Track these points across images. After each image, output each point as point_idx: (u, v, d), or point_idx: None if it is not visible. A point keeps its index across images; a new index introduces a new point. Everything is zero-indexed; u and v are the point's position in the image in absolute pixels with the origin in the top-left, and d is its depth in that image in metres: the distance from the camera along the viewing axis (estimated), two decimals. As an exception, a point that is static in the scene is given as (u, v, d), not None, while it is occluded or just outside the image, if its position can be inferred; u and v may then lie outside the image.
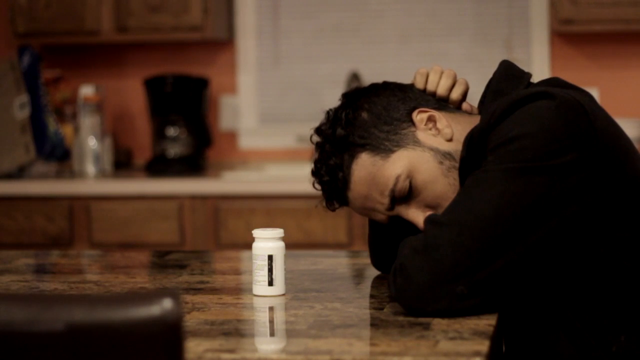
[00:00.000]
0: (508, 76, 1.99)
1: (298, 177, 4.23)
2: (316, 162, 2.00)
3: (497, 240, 1.77)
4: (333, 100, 2.09)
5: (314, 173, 2.01)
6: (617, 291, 1.84)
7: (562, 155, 1.78)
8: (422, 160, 1.93)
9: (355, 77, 4.56)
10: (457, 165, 1.93)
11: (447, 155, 1.93)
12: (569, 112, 1.81)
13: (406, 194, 1.93)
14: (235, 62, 4.79)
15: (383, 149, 1.93)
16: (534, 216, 1.77)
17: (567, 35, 4.55)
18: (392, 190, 1.93)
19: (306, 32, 4.77)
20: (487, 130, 1.85)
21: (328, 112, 2.01)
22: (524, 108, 1.82)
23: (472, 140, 1.88)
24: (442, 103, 2.01)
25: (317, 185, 2.01)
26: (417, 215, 1.94)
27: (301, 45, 4.77)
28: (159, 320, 1.31)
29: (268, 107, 4.79)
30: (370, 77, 4.57)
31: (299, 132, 4.65)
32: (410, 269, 1.79)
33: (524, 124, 1.80)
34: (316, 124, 2.02)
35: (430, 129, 1.95)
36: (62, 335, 1.31)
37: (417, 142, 1.94)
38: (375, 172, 1.93)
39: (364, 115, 1.96)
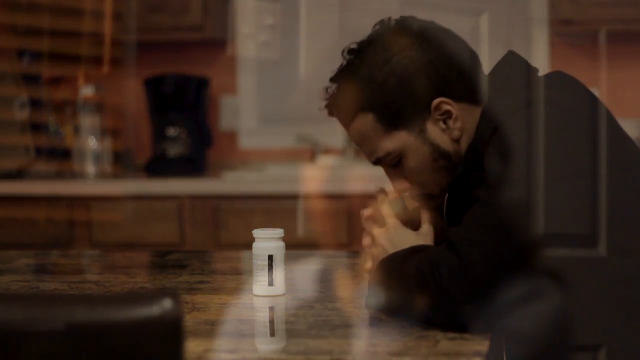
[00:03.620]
0: (514, 72, 1.97)
1: (298, 177, 4.23)
2: (332, 80, 2.03)
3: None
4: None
5: (328, 87, 2.02)
6: (620, 291, 1.84)
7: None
8: (417, 152, 1.95)
9: (355, 77, 4.55)
10: (450, 165, 1.95)
11: (445, 154, 1.95)
12: None
13: (392, 165, 1.98)
14: (235, 62, 4.78)
15: (389, 121, 1.94)
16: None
17: (567, 35, 4.54)
18: (379, 159, 1.98)
19: (306, 32, 4.77)
20: (481, 145, 1.86)
21: (375, 34, 2.05)
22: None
23: (473, 155, 1.89)
24: (472, 89, 1.96)
25: (324, 98, 2.02)
26: (394, 181, 2.00)
27: (301, 45, 4.77)
28: (159, 320, 1.31)
29: (268, 107, 4.79)
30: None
31: (299, 132, 4.64)
32: (451, 288, 1.77)
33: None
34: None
35: (442, 123, 1.94)
36: (62, 335, 1.31)
37: (422, 132, 1.94)
38: (372, 135, 1.96)
39: (392, 82, 1.93)
